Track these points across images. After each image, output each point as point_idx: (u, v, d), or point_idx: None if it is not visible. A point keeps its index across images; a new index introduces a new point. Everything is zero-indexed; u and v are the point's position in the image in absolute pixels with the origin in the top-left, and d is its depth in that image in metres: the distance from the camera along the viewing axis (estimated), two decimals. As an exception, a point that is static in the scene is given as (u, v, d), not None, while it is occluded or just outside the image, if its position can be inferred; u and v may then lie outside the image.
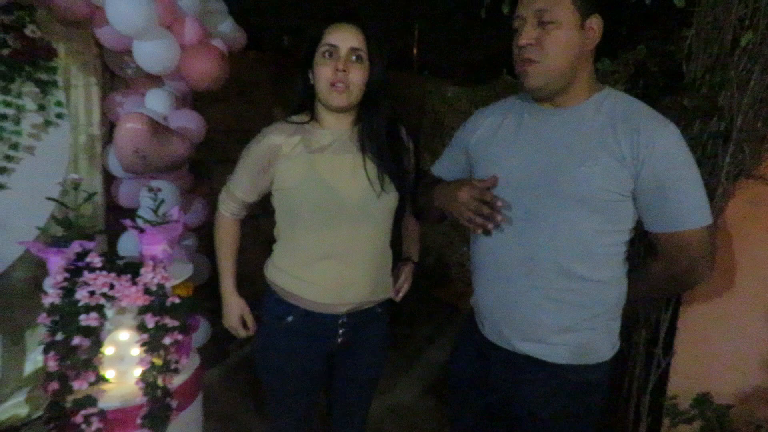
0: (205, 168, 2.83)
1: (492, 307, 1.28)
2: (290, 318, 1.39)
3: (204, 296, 2.21)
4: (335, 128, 1.36)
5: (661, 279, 1.23)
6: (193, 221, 2.46)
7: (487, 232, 1.24)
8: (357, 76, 1.28)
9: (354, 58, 1.28)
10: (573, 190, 1.13)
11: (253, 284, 1.60)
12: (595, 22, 1.14)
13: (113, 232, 2.23)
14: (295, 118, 1.38)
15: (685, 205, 1.12)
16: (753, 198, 1.80)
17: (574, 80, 1.17)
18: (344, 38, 1.27)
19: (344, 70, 1.26)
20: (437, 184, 1.36)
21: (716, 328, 1.93)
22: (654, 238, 1.18)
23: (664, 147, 1.09)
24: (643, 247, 1.49)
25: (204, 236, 2.60)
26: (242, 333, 1.50)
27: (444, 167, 1.47)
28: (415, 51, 4.69)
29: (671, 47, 1.97)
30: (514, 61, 1.21)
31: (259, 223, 2.99)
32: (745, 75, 1.67)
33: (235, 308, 1.48)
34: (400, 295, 1.51)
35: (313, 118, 1.38)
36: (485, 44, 3.80)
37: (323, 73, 1.28)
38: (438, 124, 4.18)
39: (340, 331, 1.41)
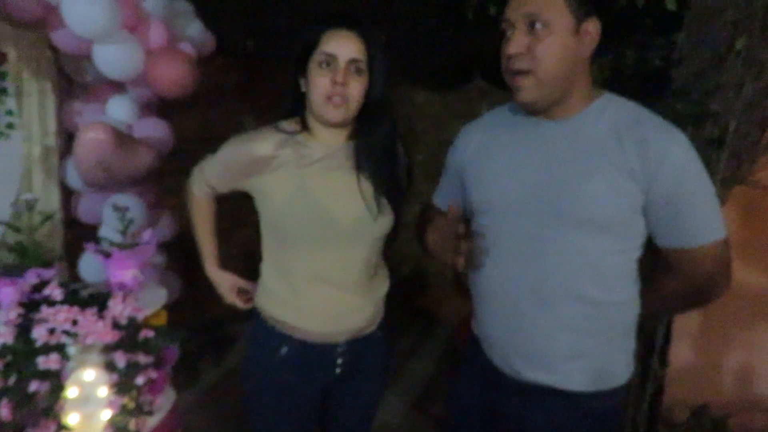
0: (172, 179, 2.67)
1: (499, 337, 1.19)
2: (284, 350, 1.27)
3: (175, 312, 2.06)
4: (329, 142, 1.25)
5: (676, 296, 1.17)
6: (162, 237, 2.30)
7: (486, 262, 1.16)
8: (356, 90, 1.17)
9: (353, 69, 1.16)
10: (580, 210, 1.04)
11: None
12: (592, 26, 1.05)
13: (74, 252, 2.05)
14: (285, 125, 1.24)
15: (699, 220, 1.05)
16: (747, 204, 1.78)
17: (570, 90, 1.07)
18: (344, 47, 1.15)
19: (343, 83, 1.14)
20: (428, 224, 1.27)
21: (711, 338, 1.91)
22: (667, 254, 1.11)
23: (675, 159, 1.01)
24: (650, 261, 1.44)
25: (174, 252, 2.44)
26: (241, 304, 1.44)
27: (443, 196, 1.36)
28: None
29: (655, 52, 1.94)
30: (503, 71, 1.10)
31: (232, 236, 2.86)
32: (738, 79, 1.65)
33: (225, 283, 1.44)
34: None
35: (304, 128, 1.25)
36: (456, 47, 3.75)
37: (319, 85, 1.16)
38: (410, 130, 4.10)
39: (339, 361, 1.30)
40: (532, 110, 1.12)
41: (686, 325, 1.90)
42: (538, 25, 1.02)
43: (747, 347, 1.86)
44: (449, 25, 2.20)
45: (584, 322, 1.09)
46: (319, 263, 1.22)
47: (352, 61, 1.15)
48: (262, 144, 1.21)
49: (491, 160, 1.18)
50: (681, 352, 1.93)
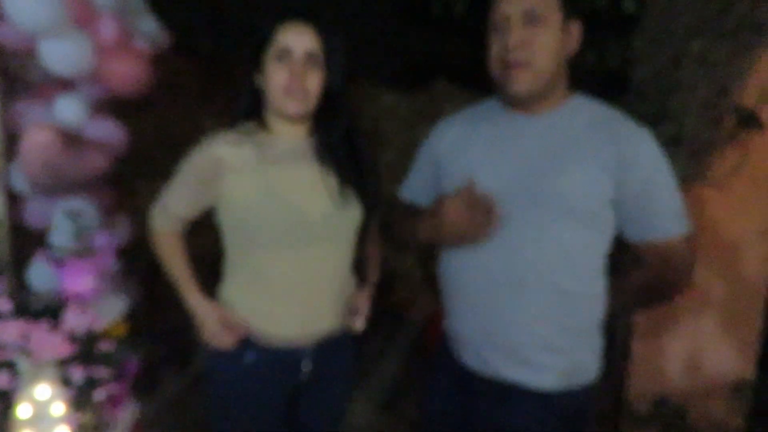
0: (126, 181, 2.56)
1: (473, 331, 1.19)
2: (248, 357, 1.23)
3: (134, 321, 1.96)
4: (289, 138, 1.23)
5: (642, 290, 1.21)
6: (119, 242, 2.19)
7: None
8: (314, 83, 1.17)
9: (310, 62, 1.16)
10: (558, 200, 1.08)
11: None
12: (576, 27, 1.12)
13: (21, 260, 1.93)
14: (241, 127, 1.22)
15: (667, 213, 1.10)
16: (700, 201, 1.85)
17: (554, 85, 1.13)
18: (300, 40, 1.15)
19: (301, 76, 1.14)
20: (413, 217, 1.25)
21: (669, 330, 1.98)
22: (636, 247, 1.15)
23: (645, 154, 1.08)
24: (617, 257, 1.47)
25: (131, 258, 2.34)
26: (228, 340, 1.22)
27: (414, 188, 1.37)
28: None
29: (613, 52, 1.98)
30: (492, 63, 1.13)
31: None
32: (693, 80, 1.71)
33: (211, 316, 1.22)
34: (358, 323, 1.37)
35: (263, 126, 1.23)
36: (419, 49, 3.76)
37: (276, 79, 1.15)
38: (376, 132, 4.09)
39: (306, 365, 1.27)
40: (519, 103, 1.14)
41: (645, 317, 1.96)
42: (535, 20, 1.06)
43: (703, 337, 1.93)
44: (413, 26, 2.20)
45: (558, 313, 1.11)
46: (290, 263, 1.19)
47: (309, 54, 1.16)
48: (220, 146, 1.18)
49: (468, 152, 1.20)
50: (641, 345, 1.99)
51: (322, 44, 1.17)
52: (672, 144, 1.76)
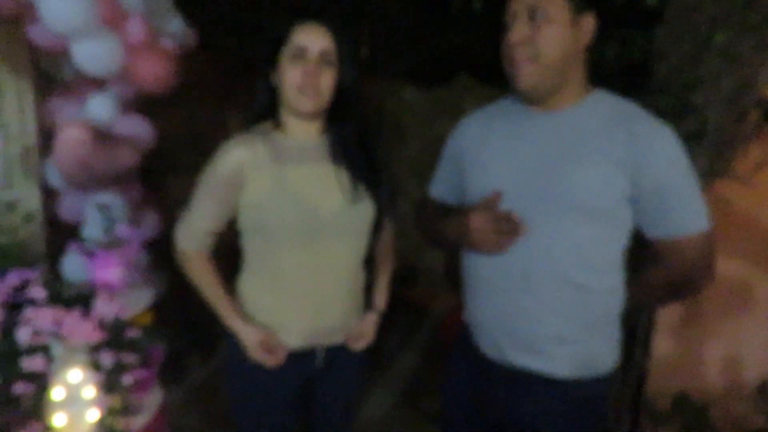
0: (155, 177, 2.64)
1: (489, 321, 1.22)
2: None
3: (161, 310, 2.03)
4: (303, 136, 1.27)
5: (662, 287, 1.20)
6: (147, 236, 2.27)
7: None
8: (327, 81, 1.20)
9: (324, 61, 1.19)
10: (570, 196, 1.08)
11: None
12: (588, 21, 1.11)
13: (55, 251, 2.02)
14: (255, 128, 1.26)
15: (685, 210, 1.09)
16: (726, 196, 1.82)
17: (566, 81, 1.12)
18: (314, 40, 1.19)
19: (315, 74, 1.18)
20: (442, 217, 1.28)
21: (692, 328, 1.95)
22: (654, 244, 1.14)
23: (662, 151, 1.07)
24: (637, 253, 1.47)
25: (158, 250, 2.42)
26: (271, 361, 1.26)
27: (441, 186, 1.39)
28: (365, 51, 4.60)
29: (635, 46, 1.95)
30: (503, 59, 1.15)
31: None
32: (716, 74, 1.68)
33: (252, 339, 1.25)
34: (359, 346, 1.39)
35: (277, 125, 1.27)
36: (440, 44, 3.75)
37: (291, 77, 1.19)
38: (398, 127, 4.11)
39: (320, 356, 1.33)
40: (530, 98, 1.15)
41: (668, 315, 1.93)
42: (539, 16, 1.07)
43: (726, 336, 1.90)
44: (433, 21, 2.21)
45: (570, 306, 1.12)
46: (305, 260, 1.23)
47: (323, 53, 1.19)
48: (239, 149, 1.21)
49: (487, 149, 1.22)
50: (663, 342, 1.97)
51: (335, 44, 1.20)
52: (695, 139, 1.73)
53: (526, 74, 1.10)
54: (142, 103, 2.29)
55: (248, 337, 1.25)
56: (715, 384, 1.92)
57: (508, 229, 1.11)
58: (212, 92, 3.21)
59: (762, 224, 1.84)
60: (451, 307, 3.32)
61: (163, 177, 2.77)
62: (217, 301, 1.28)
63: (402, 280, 4.12)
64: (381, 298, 1.47)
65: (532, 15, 1.07)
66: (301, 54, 1.18)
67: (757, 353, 1.87)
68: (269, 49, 1.22)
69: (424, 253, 4.00)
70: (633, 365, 1.96)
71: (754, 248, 1.83)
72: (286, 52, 1.19)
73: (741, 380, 1.89)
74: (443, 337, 3.15)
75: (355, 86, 1.25)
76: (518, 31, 1.09)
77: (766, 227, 1.83)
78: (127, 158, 1.97)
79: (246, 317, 1.28)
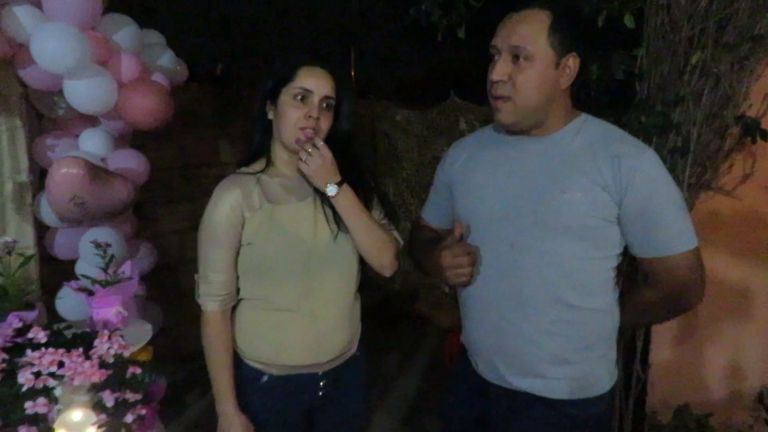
0: (148, 209, 2.64)
1: (485, 343, 1.24)
2: (265, 378, 1.30)
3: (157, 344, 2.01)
4: (292, 174, 1.30)
5: (653, 305, 1.22)
6: (142, 269, 2.26)
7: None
8: (325, 124, 1.25)
9: (325, 105, 1.24)
10: (557, 218, 1.11)
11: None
12: (572, 61, 1.12)
13: (49, 289, 2.00)
14: (245, 169, 1.30)
15: (671, 230, 1.11)
16: (713, 209, 1.86)
17: (548, 115, 1.15)
18: (319, 85, 1.23)
19: (317, 117, 1.22)
20: (426, 251, 1.31)
21: (687, 339, 1.97)
22: (643, 263, 1.16)
23: (645, 173, 1.09)
24: (627, 272, 1.49)
25: (153, 283, 2.41)
26: None
27: (433, 211, 1.43)
28: (353, 73, 4.65)
29: (618, 66, 2.01)
30: (487, 92, 1.17)
31: (178, 271, 2.73)
32: (696, 91, 1.73)
33: (240, 429, 1.27)
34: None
35: (268, 164, 1.30)
36: (429, 66, 3.82)
37: (292, 116, 1.22)
38: (392, 148, 4.15)
39: (321, 384, 1.34)
40: (511, 131, 1.19)
41: (665, 326, 1.95)
42: (521, 57, 1.08)
43: (721, 346, 1.92)
44: (421, 45, 2.26)
45: (564, 327, 1.14)
46: (299, 293, 1.25)
47: (326, 97, 1.23)
48: (233, 191, 1.23)
49: (475, 174, 1.25)
50: (661, 354, 1.99)
51: (335, 88, 1.25)
52: (679, 154, 1.78)
53: (505, 112, 1.13)
54: (135, 137, 2.31)
55: (237, 425, 1.26)
56: (715, 393, 1.94)
57: (467, 264, 1.16)
58: (203, 122, 3.22)
59: (749, 234, 1.87)
60: (454, 324, 3.33)
61: (156, 208, 2.77)
62: (221, 378, 1.28)
63: (402, 298, 4.14)
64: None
65: (515, 55, 1.09)
66: (305, 95, 1.22)
67: (751, 362, 1.89)
68: (272, 85, 1.25)
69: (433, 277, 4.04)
70: (633, 378, 1.97)
71: (746, 256, 1.86)
72: (290, 91, 1.22)
73: (741, 389, 1.90)
74: (444, 356, 3.15)
75: (350, 128, 1.31)
76: (499, 70, 1.11)
77: (753, 238, 1.87)
78: (121, 193, 1.96)
79: (238, 409, 1.27)
